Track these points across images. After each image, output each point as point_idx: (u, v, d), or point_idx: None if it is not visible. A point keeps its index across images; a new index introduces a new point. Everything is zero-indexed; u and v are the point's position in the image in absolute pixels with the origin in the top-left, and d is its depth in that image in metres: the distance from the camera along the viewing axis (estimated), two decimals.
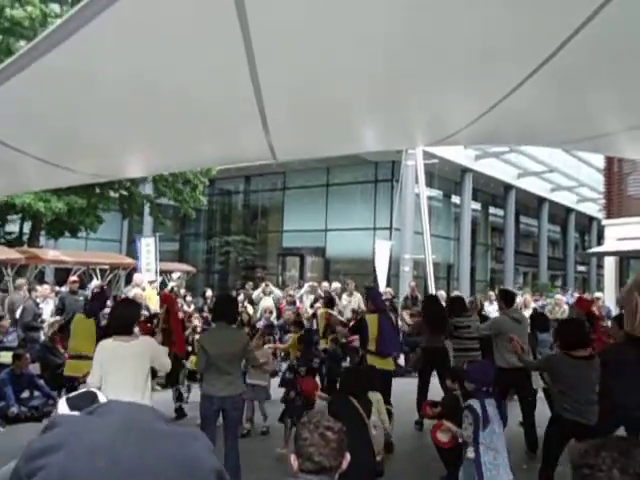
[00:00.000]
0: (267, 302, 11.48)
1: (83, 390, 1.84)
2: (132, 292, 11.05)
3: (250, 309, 11.14)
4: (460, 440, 3.89)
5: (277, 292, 12.82)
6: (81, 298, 9.26)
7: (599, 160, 18.72)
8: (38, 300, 9.49)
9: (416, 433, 6.48)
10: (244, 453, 4.65)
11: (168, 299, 7.82)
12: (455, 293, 12.22)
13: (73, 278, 9.87)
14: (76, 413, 1.52)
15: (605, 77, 2.91)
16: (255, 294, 12.62)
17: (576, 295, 11.82)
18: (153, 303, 10.64)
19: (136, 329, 6.68)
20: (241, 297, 12.19)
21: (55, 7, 13.55)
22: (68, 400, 1.72)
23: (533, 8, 2.14)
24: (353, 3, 2.04)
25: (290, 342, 7.90)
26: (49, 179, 5.16)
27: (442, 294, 14.09)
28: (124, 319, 4.07)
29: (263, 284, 12.82)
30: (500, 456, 3.76)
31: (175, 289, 12.31)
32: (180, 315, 8.54)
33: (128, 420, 1.29)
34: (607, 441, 1.37)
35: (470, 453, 3.76)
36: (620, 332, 4.87)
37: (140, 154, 4.40)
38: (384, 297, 12.13)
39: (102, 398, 1.76)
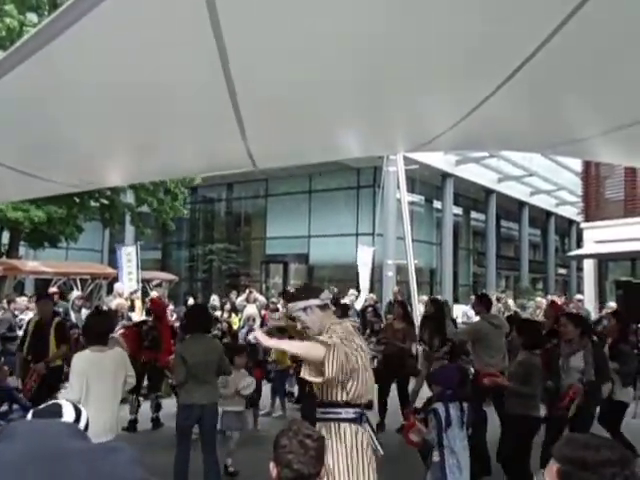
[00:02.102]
0: (250, 310, 11.41)
1: (49, 403, 1.80)
2: (114, 302, 10.94)
3: (235, 318, 11.08)
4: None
5: (261, 299, 12.76)
6: (61, 309, 9.13)
7: (577, 164, 19.02)
8: (17, 312, 9.33)
9: (399, 439, 6.47)
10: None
11: (158, 306, 7.69)
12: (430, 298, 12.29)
13: (52, 290, 9.72)
14: None
15: (579, 82, 2.97)
16: (239, 301, 12.55)
17: (549, 299, 12.07)
18: (137, 313, 10.53)
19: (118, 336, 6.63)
20: (227, 306, 12.13)
21: (33, 16, 13.41)
22: (33, 413, 1.68)
23: (507, 14, 2.18)
24: (332, 9, 2.06)
25: (274, 351, 7.82)
26: (25, 189, 5.09)
27: (423, 299, 14.14)
28: (99, 330, 4.07)
29: (247, 291, 12.76)
30: (462, 458, 3.80)
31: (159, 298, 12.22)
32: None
33: (33, 445, 1.22)
34: (608, 444, 1.42)
35: (435, 457, 3.79)
36: (576, 330, 5.01)
37: (118, 163, 4.37)
38: (367, 303, 12.17)
39: (67, 410, 1.73)
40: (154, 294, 12.08)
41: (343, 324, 2.91)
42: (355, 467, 2.72)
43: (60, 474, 1.17)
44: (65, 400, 1.83)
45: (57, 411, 1.70)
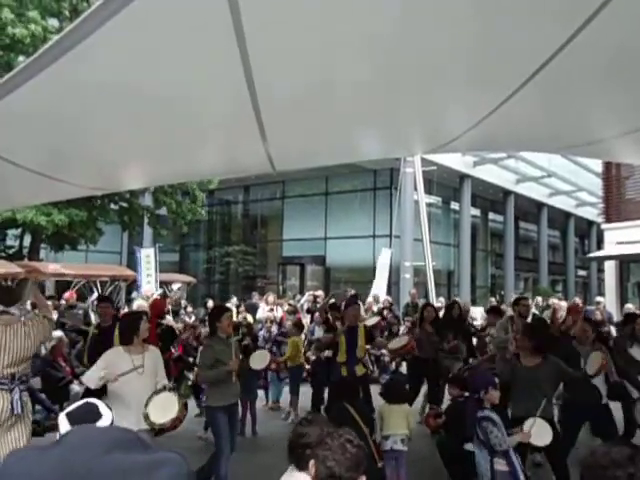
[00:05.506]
0: (267, 312, 11.44)
1: (83, 402, 1.77)
2: (136, 304, 11.06)
3: (250, 318, 11.11)
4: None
5: (278, 301, 12.81)
6: (80, 312, 9.25)
7: (597, 164, 18.76)
8: None
9: (418, 441, 6.42)
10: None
11: (157, 306, 7.68)
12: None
13: (66, 295, 9.89)
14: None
15: (600, 83, 2.94)
16: (262, 304, 12.61)
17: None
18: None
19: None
20: (242, 308, 12.19)
21: (54, 22, 13.63)
22: (68, 415, 1.66)
23: (528, 15, 2.16)
24: (351, 13, 2.06)
25: (289, 348, 7.81)
26: (47, 192, 5.17)
27: (442, 300, 14.09)
28: (129, 330, 4.20)
29: (265, 294, 12.85)
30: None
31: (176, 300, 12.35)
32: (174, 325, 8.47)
33: (70, 459, 1.24)
34: (637, 448, 1.49)
35: (502, 466, 3.69)
36: (592, 335, 5.24)
37: (138, 166, 4.42)
38: (382, 305, 12.15)
39: (104, 409, 1.71)
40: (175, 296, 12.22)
41: None
42: None
43: None
44: (96, 399, 1.81)
45: (94, 410, 1.69)
